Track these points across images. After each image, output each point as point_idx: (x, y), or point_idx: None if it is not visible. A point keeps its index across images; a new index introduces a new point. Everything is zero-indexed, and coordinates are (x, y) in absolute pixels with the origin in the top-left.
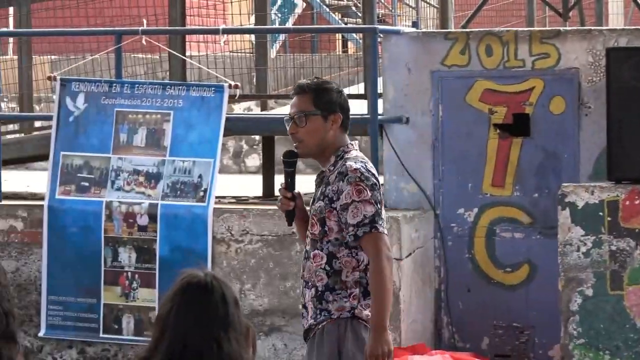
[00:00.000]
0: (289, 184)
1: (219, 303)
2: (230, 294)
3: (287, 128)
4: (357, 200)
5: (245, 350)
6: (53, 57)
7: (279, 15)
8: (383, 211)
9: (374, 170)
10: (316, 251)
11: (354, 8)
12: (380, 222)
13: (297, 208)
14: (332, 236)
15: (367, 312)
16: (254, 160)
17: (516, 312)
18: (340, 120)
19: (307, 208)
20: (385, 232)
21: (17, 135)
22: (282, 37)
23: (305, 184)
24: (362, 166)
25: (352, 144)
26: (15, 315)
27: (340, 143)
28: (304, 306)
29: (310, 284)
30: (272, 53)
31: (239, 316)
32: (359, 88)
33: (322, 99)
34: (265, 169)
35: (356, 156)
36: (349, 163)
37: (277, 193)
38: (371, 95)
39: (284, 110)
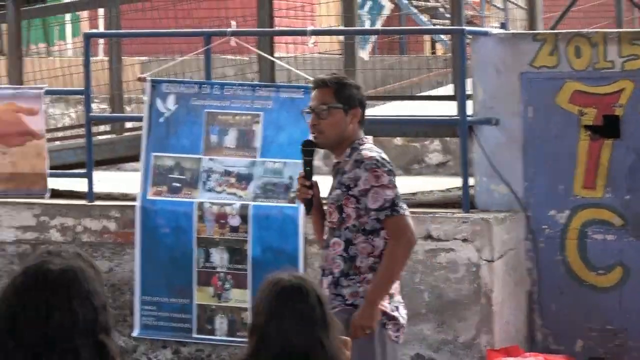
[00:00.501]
0: (307, 173)
1: (315, 304)
2: (322, 293)
3: (307, 119)
4: (376, 185)
5: (341, 348)
6: (143, 58)
7: (369, 16)
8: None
9: (388, 159)
10: (335, 239)
11: (442, 9)
12: (400, 204)
13: (314, 197)
14: (349, 223)
15: None
16: None
17: (609, 315)
18: (360, 115)
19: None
20: (407, 213)
21: (109, 136)
22: (372, 38)
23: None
24: (377, 154)
25: (366, 138)
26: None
27: (357, 136)
28: None
29: (327, 271)
30: (365, 55)
31: (332, 315)
32: (448, 89)
33: (344, 94)
34: None
35: (370, 147)
36: (364, 152)
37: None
38: (460, 96)
39: (373, 111)
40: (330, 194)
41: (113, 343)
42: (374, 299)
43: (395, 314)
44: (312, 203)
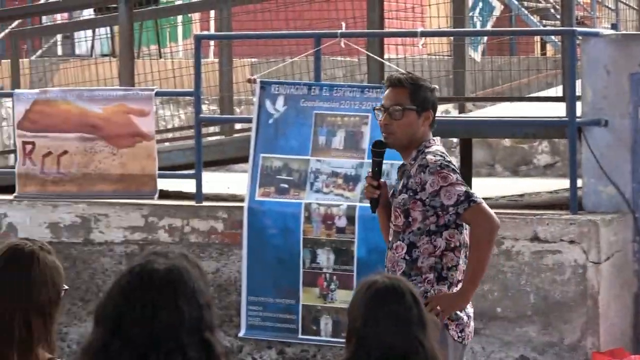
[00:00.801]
0: (376, 173)
1: (411, 304)
2: (416, 292)
3: (378, 118)
4: (445, 184)
5: (439, 349)
6: (253, 59)
7: (480, 18)
8: None
9: (452, 161)
10: (398, 242)
11: (552, 10)
12: (475, 195)
13: (381, 197)
14: (415, 226)
15: None
16: None
17: None
18: (431, 118)
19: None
20: (483, 201)
21: (218, 137)
22: (482, 39)
23: None
24: (440, 158)
25: (434, 139)
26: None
27: (425, 138)
28: None
29: (390, 273)
30: (477, 56)
31: (426, 313)
32: (557, 90)
33: (419, 96)
34: (463, 172)
35: (435, 150)
36: (428, 156)
37: None
38: (569, 97)
39: (482, 113)
40: (394, 196)
41: (218, 341)
42: (469, 288)
43: (460, 313)
44: (378, 203)
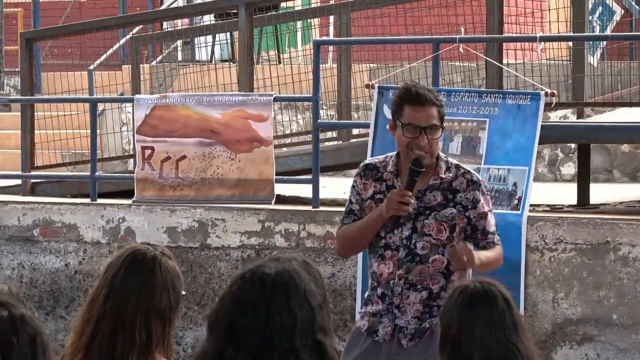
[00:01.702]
0: (410, 190)
1: (504, 308)
2: (508, 294)
3: (411, 136)
4: (490, 209)
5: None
6: (371, 65)
7: (599, 22)
8: None
9: None
10: (437, 256)
11: None
12: None
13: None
14: (455, 241)
15: None
16: (569, 168)
17: None
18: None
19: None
20: None
21: (335, 143)
22: (602, 44)
23: None
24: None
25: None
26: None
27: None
28: (396, 306)
29: (420, 287)
30: (594, 61)
31: (518, 313)
32: None
33: (443, 113)
34: (581, 178)
35: (465, 167)
36: (474, 174)
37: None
38: None
39: (601, 118)
40: (433, 210)
41: (331, 344)
42: (480, 258)
43: None
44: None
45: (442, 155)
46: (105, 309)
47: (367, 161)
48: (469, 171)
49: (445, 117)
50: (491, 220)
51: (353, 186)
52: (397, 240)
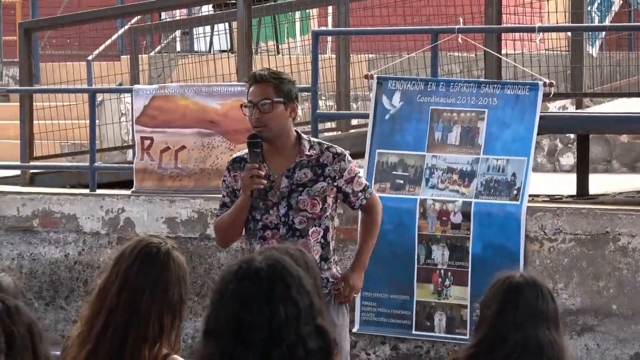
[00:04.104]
0: (259, 163)
1: (549, 299)
2: (546, 287)
3: (248, 113)
4: (357, 173)
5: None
6: (370, 55)
7: (598, 13)
8: None
9: None
10: (314, 228)
11: None
12: (369, 184)
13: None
14: (328, 211)
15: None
16: (569, 158)
17: None
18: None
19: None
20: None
21: (334, 133)
22: (600, 35)
23: None
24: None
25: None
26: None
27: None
28: None
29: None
30: (594, 52)
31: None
32: None
33: (286, 90)
34: (580, 168)
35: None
36: (338, 147)
37: (557, 191)
38: None
39: (600, 108)
40: (305, 186)
41: (328, 326)
42: (365, 265)
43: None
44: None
45: (304, 136)
46: (118, 301)
47: (234, 155)
48: (332, 145)
49: (445, 108)
50: (359, 180)
51: (223, 180)
52: (275, 219)
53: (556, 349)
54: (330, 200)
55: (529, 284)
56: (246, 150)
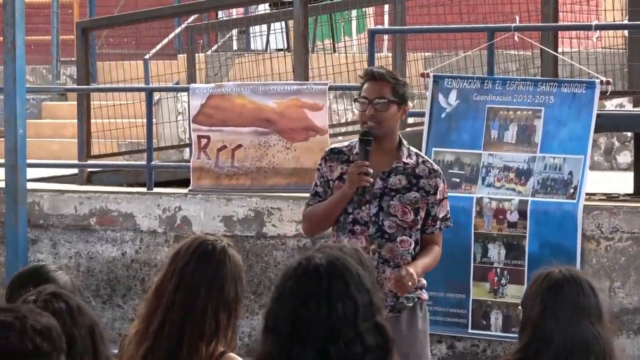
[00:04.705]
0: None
1: (590, 293)
2: (585, 281)
3: (361, 109)
4: (445, 197)
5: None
6: (426, 54)
7: None
8: None
9: None
10: (404, 237)
11: None
12: None
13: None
14: (419, 225)
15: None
16: (626, 156)
17: None
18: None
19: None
20: None
21: None
22: None
23: None
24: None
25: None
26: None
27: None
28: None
29: (393, 263)
30: None
31: (602, 303)
32: None
33: (402, 92)
34: (637, 166)
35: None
36: (433, 162)
37: None
38: None
39: None
40: (398, 192)
41: (388, 323)
42: (421, 270)
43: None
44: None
45: (404, 142)
46: (175, 299)
47: (332, 146)
48: (428, 160)
49: (501, 106)
50: (445, 207)
51: (318, 169)
52: (365, 217)
53: (602, 345)
54: (422, 214)
55: (567, 280)
56: (344, 143)
